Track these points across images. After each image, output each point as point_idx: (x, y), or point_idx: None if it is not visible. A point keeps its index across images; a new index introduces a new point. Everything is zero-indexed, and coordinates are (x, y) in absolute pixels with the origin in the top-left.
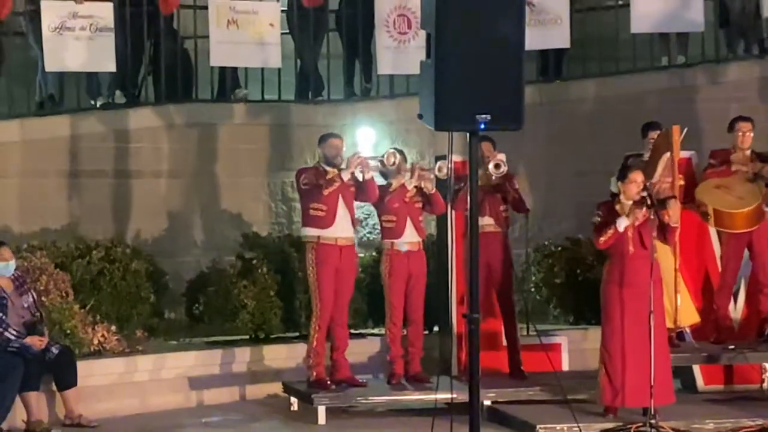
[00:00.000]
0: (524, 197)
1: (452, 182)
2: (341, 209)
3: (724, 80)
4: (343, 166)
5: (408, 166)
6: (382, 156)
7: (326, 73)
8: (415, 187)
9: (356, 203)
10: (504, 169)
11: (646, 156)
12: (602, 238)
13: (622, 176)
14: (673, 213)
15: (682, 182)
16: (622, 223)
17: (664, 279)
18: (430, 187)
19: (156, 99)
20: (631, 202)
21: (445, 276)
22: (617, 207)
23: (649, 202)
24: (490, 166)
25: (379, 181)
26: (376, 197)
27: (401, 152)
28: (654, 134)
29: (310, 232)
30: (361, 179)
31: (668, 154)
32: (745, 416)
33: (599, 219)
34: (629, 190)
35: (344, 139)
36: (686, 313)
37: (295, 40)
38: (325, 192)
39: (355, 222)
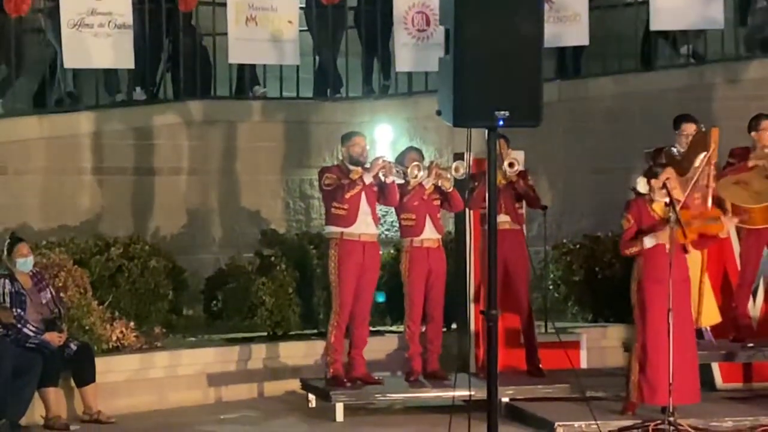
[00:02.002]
0: (542, 195)
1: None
2: (364, 207)
3: (744, 78)
4: (368, 165)
5: (425, 164)
6: (406, 167)
7: (345, 71)
8: (433, 184)
9: None
10: (518, 167)
11: (677, 148)
12: (627, 251)
13: (654, 174)
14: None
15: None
16: (648, 243)
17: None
18: (447, 186)
19: (175, 96)
20: (663, 201)
21: (463, 273)
22: (654, 206)
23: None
24: (505, 165)
25: (397, 180)
26: (397, 203)
27: (419, 150)
28: (687, 126)
29: (333, 229)
30: (383, 180)
31: (705, 153)
32: (763, 414)
33: (628, 223)
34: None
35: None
36: (709, 313)
37: (314, 37)
38: (347, 195)
39: (377, 220)
